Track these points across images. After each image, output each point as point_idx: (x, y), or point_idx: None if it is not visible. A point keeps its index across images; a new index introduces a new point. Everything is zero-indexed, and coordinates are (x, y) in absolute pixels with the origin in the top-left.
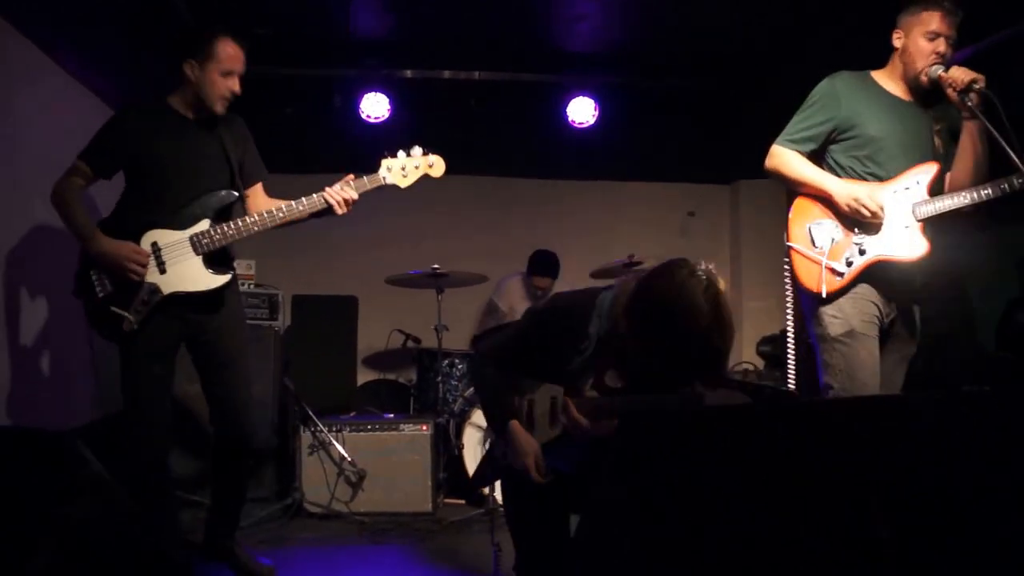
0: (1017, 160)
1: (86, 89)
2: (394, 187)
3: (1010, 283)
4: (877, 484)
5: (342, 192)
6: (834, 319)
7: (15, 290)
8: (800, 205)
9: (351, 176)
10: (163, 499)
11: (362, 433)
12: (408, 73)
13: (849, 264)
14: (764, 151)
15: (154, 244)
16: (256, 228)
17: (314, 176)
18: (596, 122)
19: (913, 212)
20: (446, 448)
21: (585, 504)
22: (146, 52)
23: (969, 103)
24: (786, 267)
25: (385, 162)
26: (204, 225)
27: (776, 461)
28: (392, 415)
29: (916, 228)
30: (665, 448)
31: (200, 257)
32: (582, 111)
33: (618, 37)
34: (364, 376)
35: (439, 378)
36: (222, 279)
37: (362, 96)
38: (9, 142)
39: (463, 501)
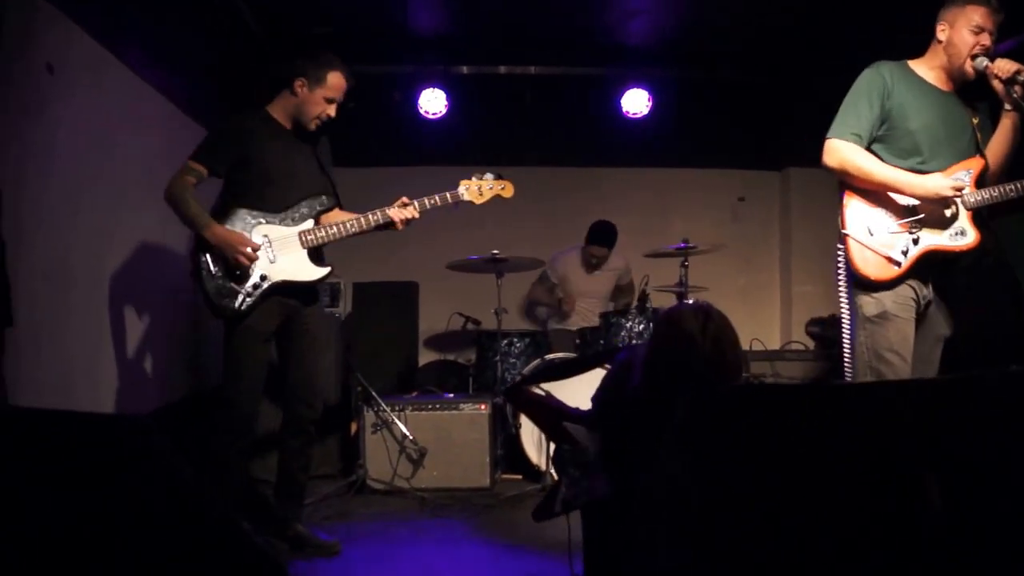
0: None
1: (149, 87)
2: (460, 204)
3: None
4: (930, 461)
5: (404, 212)
6: (869, 300)
7: (81, 284)
8: (853, 195)
9: (405, 199)
10: (239, 476)
11: (423, 412)
12: (464, 69)
13: (905, 254)
14: (813, 139)
15: (265, 236)
16: (354, 230)
17: (375, 169)
18: (649, 112)
19: (963, 202)
20: (503, 426)
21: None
22: (210, 51)
23: (1014, 94)
24: (839, 255)
25: (464, 182)
26: (310, 224)
27: (834, 439)
28: (452, 395)
29: (966, 217)
30: (726, 423)
31: (305, 251)
32: (636, 102)
33: (671, 30)
34: (425, 357)
35: (497, 358)
36: (324, 270)
37: (420, 92)
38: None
39: (520, 476)
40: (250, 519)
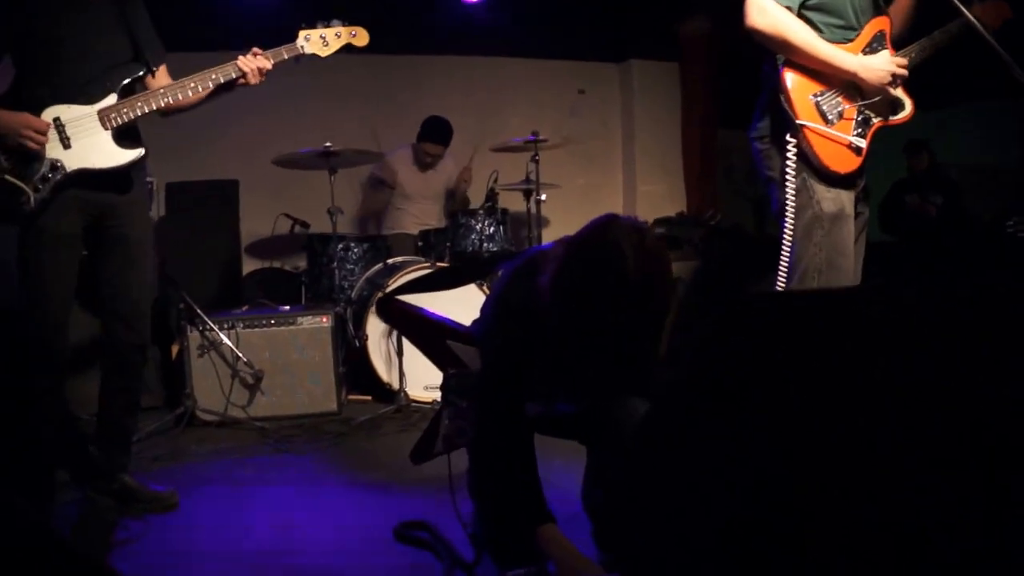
0: (980, 28)
1: None
2: (302, 59)
3: (897, 166)
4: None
5: (255, 61)
6: (828, 197)
7: None
8: (794, 76)
9: (257, 49)
10: (56, 409)
11: (257, 330)
12: None
13: (862, 137)
14: (657, 31)
15: (56, 119)
16: (167, 100)
17: (192, 55)
18: None
19: None
20: (345, 339)
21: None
22: None
23: None
24: (790, 149)
25: (303, 32)
26: (112, 100)
27: (892, 356)
28: (288, 307)
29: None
30: (756, 336)
31: (109, 132)
32: None
33: None
34: (249, 265)
35: (334, 264)
36: (133, 153)
37: None
38: None
39: (369, 398)
40: (69, 472)
